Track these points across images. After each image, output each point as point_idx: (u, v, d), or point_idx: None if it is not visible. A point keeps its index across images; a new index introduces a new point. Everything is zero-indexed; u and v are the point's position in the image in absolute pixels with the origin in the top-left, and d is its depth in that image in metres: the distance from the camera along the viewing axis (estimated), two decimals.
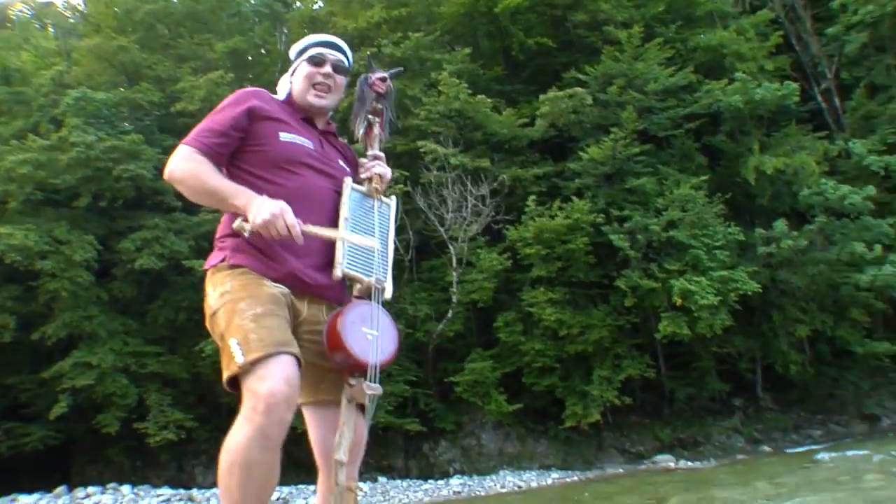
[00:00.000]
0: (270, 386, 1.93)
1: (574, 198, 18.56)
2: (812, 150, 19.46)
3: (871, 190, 18.15)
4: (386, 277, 2.28)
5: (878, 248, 17.48)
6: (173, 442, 18.58)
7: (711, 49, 21.14)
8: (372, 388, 2.14)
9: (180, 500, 15.87)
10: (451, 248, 18.77)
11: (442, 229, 18.61)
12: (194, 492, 16.40)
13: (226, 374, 2.04)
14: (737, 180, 19.36)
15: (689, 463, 17.02)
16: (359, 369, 2.14)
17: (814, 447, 16.16)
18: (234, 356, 2.00)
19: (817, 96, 22.36)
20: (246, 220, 2.08)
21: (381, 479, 18.32)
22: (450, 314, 18.82)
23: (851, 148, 19.70)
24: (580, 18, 21.52)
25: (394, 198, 2.47)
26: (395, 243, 2.46)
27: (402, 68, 3.48)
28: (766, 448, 18.07)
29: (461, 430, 19.98)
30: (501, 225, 18.99)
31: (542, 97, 19.59)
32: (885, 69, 21.35)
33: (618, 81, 19.53)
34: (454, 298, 18.71)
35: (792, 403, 19.83)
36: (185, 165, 2.15)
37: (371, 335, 2.15)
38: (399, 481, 18.21)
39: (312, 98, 2.38)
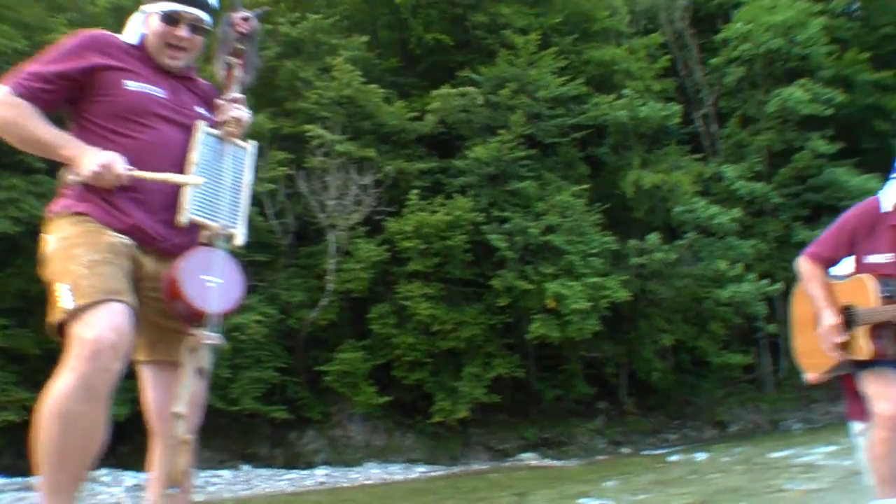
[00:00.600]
0: (97, 332, 1.84)
1: (457, 195, 18.61)
2: (688, 170, 20.39)
3: (737, 212, 19.27)
4: (236, 224, 2.19)
5: (738, 266, 18.57)
6: (15, 424, 17.24)
7: (603, 64, 21.77)
8: (210, 338, 2.08)
9: (15, 489, 14.67)
10: (330, 235, 18.40)
11: (322, 216, 18.22)
12: (32, 479, 15.25)
13: (53, 320, 1.96)
14: (616, 192, 19.99)
15: (552, 461, 17.36)
16: (197, 318, 2.06)
17: (669, 450, 16.84)
18: (62, 301, 1.92)
19: (696, 120, 23.46)
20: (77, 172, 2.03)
21: (245, 467, 17.67)
22: (324, 302, 18.44)
23: (723, 172, 20.80)
24: (480, 20, 21.65)
25: (252, 143, 2.34)
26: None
27: (268, 8, 3.27)
28: (626, 450, 18.72)
29: (329, 420, 19.61)
30: (382, 216, 18.80)
31: (434, 93, 19.55)
32: (757, 103, 22.69)
33: (510, 85, 19.75)
34: (330, 287, 18.35)
35: (652, 408, 20.65)
36: (5, 111, 2.03)
37: (213, 283, 2.07)
38: (263, 470, 17.62)
39: (166, 59, 2.23)
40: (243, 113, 2.29)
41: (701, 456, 12.98)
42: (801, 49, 23.50)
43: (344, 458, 18.98)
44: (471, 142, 19.51)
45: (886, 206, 2.85)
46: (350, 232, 18.63)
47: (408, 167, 19.43)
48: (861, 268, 2.89)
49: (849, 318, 2.86)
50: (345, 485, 15.88)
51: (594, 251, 17.87)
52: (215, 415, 15.57)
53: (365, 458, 18.96)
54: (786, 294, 17.12)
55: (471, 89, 19.66)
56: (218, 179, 2.19)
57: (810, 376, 3.09)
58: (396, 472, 17.06)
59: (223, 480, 15.71)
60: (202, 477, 14.59)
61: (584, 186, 19.10)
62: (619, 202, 20.11)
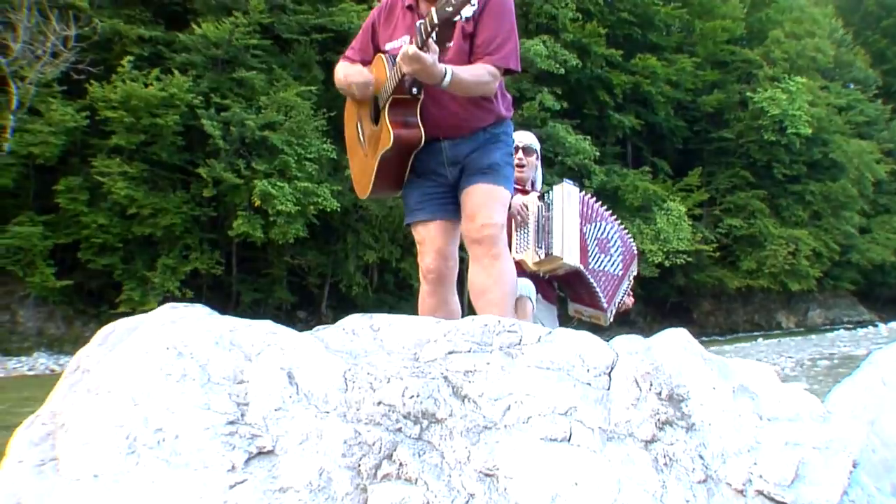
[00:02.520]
0: None
1: (176, 72, 17.12)
2: None
3: None
4: None
5: None
6: None
7: None
8: None
9: None
10: (13, 86, 16.00)
11: (4, 61, 15.74)
12: None
13: None
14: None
15: None
16: None
17: None
18: None
19: None
20: None
21: None
22: None
23: None
24: None
25: None
26: None
27: None
28: None
29: None
30: (85, 77, 16.73)
31: None
32: None
33: None
34: (6, 147, 16.04)
35: None
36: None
37: None
38: None
39: None
40: None
41: None
42: (552, 8, 24.94)
43: (5, 346, 17.07)
44: (203, 18, 17.98)
45: None
46: (43, 88, 16.36)
47: (126, 30, 17.44)
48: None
49: (377, 105, 2.43)
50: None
51: (311, 156, 17.53)
52: None
53: (35, 348, 17.27)
54: None
55: None
56: None
57: (362, 195, 2.66)
58: (68, 365, 15.71)
59: None
60: None
61: (313, 88, 18.49)
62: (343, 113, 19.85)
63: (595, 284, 3.14)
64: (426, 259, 2.43)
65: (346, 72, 2.49)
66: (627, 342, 1.34)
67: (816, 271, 27.63)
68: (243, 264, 19.24)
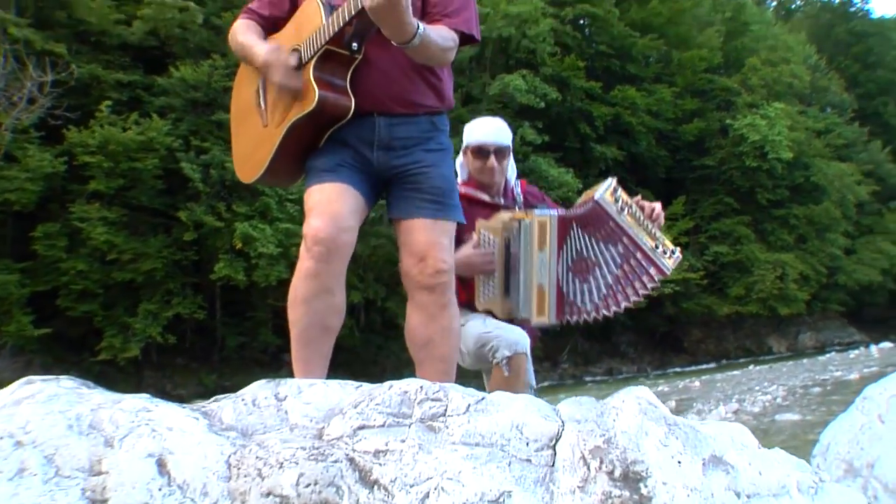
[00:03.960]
0: None
1: (155, 115, 17.01)
2: None
3: None
4: None
5: None
6: None
7: None
8: None
9: None
10: None
11: None
12: None
13: None
14: None
15: None
16: None
17: None
18: None
19: None
20: None
21: None
22: None
23: None
24: None
25: None
26: None
27: None
28: None
29: None
30: (61, 122, 16.57)
31: None
32: (482, 85, 23.87)
33: (237, 12, 18.45)
34: None
35: (338, 366, 20.35)
36: None
37: None
38: None
39: None
40: None
41: None
42: (531, 43, 25.12)
43: None
44: (182, 62, 17.95)
45: None
46: (19, 134, 16.19)
47: (104, 75, 17.35)
48: None
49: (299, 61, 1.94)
50: None
51: (292, 197, 17.36)
52: None
53: None
54: None
55: (192, 5, 18.06)
56: None
57: (247, 178, 2.15)
58: None
59: None
60: None
61: None
62: None
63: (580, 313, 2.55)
64: (315, 221, 1.84)
65: (244, 39, 2.02)
66: (576, 407, 1.12)
67: (805, 294, 27.55)
68: (227, 308, 18.94)
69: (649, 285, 2.50)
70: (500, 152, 2.63)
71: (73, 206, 16.73)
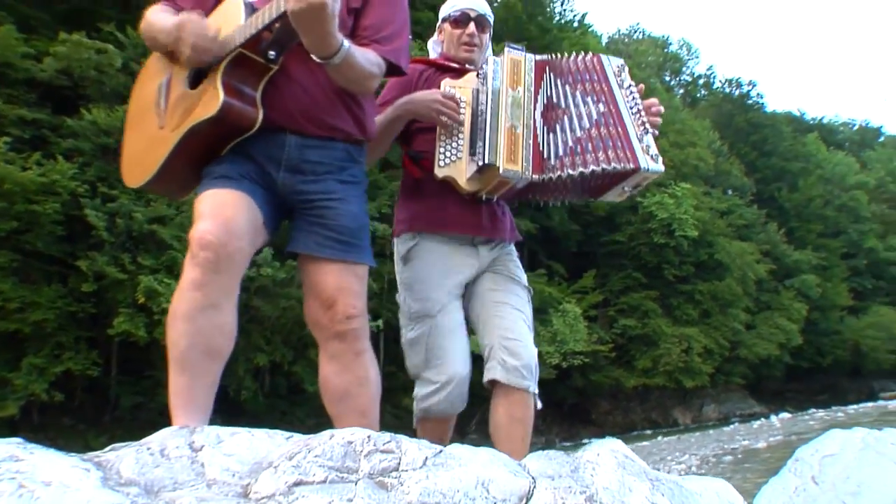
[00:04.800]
0: None
1: (61, 158, 16.21)
2: None
3: None
4: None
5: None
6: None
7: None
8: None
9: None
10: None
11: None
12: None
13: None
14: None
15: None
16: None
17: None
18: None
19: None
20: None
21: None
22: None
23: None
24: None
25: None
26: None
27: None
28: None
29: None
30: None
31: (63, 36, 17.08)
32: None
33: None
34: None
35: None
36: None
37: None
38: None
39: None
40: None
41: None
42: None
43: None
44: (95, 105, 17.28)
45: None
46: None
47: (5, 109, 16.47)
48: None
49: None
50: None
51: None
52: None
53: None
54: (389, 333, 17.68)
55: (111, 48, 17.56)
56: None
57: (134, 181, 1.93)
58: None
59: None
60: None
61: None
62: None
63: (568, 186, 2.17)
64: (203, 224, 1.61)
65: (157, 17, 1.83)
66: (546, 462, 0.97)
67: (709, 367, 28.52)
68: (124, 365, 17.83)
69: (615, 165, 2.06)
70: (481, 21, 2.35)
71: None
